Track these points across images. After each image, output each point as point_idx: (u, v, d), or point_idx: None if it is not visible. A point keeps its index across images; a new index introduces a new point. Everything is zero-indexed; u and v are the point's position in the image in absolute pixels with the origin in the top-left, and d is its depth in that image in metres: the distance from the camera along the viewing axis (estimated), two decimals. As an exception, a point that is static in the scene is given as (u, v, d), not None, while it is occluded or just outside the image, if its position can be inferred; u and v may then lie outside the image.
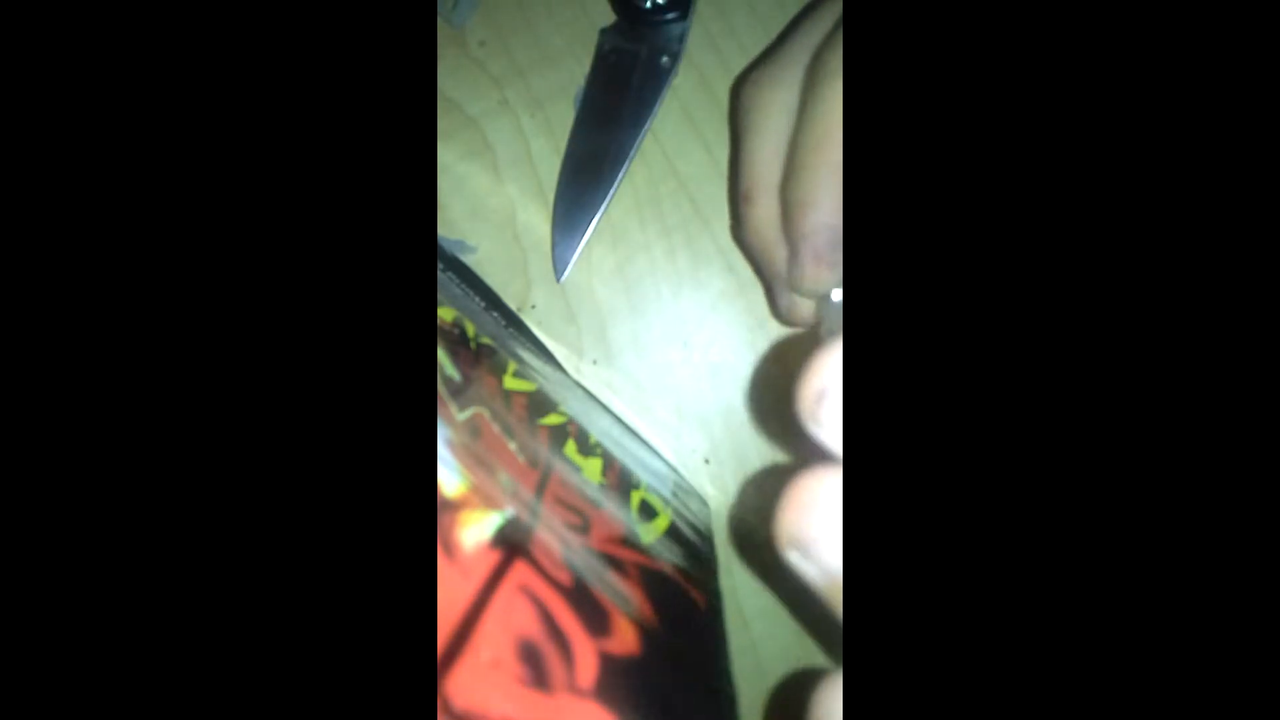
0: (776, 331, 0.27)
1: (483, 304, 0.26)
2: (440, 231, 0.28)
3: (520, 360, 0.23)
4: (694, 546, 0.22)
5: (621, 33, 0.27)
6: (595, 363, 0.28)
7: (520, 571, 0.14)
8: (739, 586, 0.28)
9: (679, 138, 0.28)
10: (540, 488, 0.17)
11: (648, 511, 0.21)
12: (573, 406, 0.24)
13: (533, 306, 0.28)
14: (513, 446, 0.18)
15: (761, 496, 0.28)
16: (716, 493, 0.28)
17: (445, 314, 0.21)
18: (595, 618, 0.14)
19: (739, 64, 0.27)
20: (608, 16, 0.28)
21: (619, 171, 0.27)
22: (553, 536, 0.15)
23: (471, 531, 0.13)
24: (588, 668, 0.13)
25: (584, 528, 0.17)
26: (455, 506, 0.13)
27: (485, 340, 0.22)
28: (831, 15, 0.21)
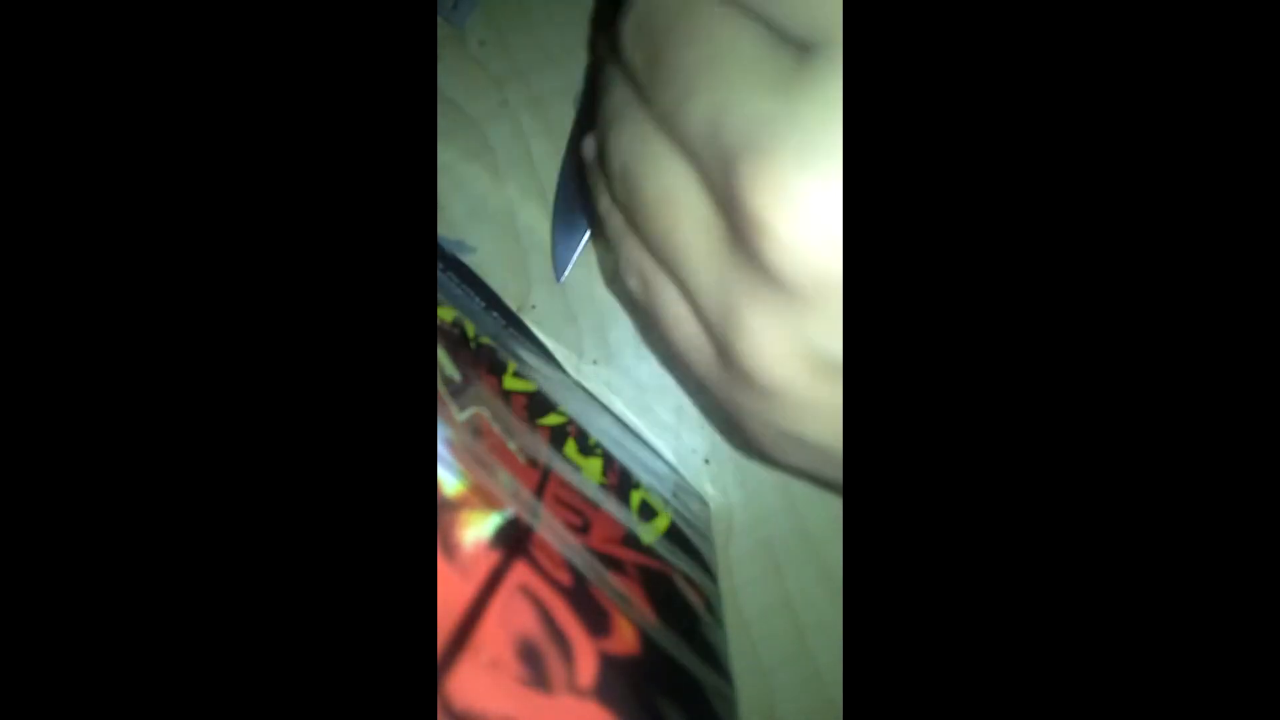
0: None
1: (483, 304, 0.26)
2: (440, 231, 0.28)
3: (520, 360, 0.23)
4: (694, 546, 0.22)
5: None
6: (595, 363, 0.28)
7: (520, 571, 0.14)
8: (739, 586, 0.28)
9: (679, 138, 0.28)
10: (540, 488, 0.17)
11: (648, 511, 0.21)
12: (573, 406, 0.24)
13: (533, 306, 0.28)
14: (513, 446, 0.18)
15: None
16: (716, 493, 0.28)
17: (445, 314, 0.21)
18: (595, 618, 0.14)
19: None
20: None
21: (619, 171, 0.27)
22: (553, 536, 0.15)
23: (471, 531, 0.13)
24: (588, 668, 0.13)
25: (584, 528, 0.17)
26: (455, 506, 0.13)
27: (485, 340, 0.22)
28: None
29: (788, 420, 0.16)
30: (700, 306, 0.16)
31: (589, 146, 0.21)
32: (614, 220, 0.19)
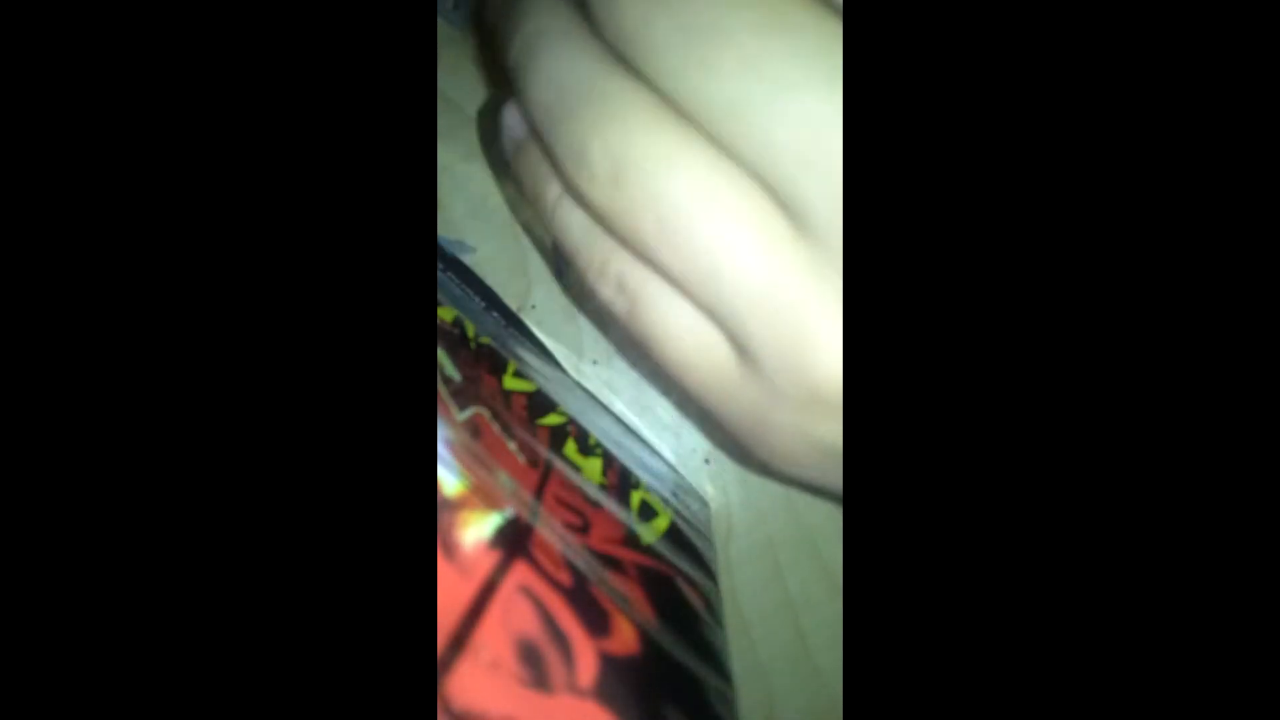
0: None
1: (483, 304, 0.26)
2: (440, 231, 0.28)
3: (520, 360, 0.23)
4: (694, 546, 0.22)
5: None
6: (595, 363, 0.28)
7: (520, 571, 0.14)
8: (739, 587, 0.28)
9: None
10: (540, 488, 0.17)
11: (648, 511, 0.21)
12: (573, 406, 0.24)
13: (533, 306, 0.28)
14: (513, 446, 0.18)
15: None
16: (716, 493, 0.28)
17: (445, 314, 0.21)
18: (595, 618, 0.14)
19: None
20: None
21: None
22: (553, 536, 0.15)
23: (471, 531, 0.13)
24: (588, 668, 0.13)
25: (584, 528, 0.17)
26: (455, 506, 0.13)
27: (485, 340, 0.22)
28: None
29: (822, 426, 0.16)
30: (725, 313, 0.15)
31: (513, 120, 0.18)
32: (574, 218, 0.17)
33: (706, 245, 0.14)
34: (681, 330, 0.16)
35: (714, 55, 0.13)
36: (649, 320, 0.16)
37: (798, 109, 0.13)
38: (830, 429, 0.16)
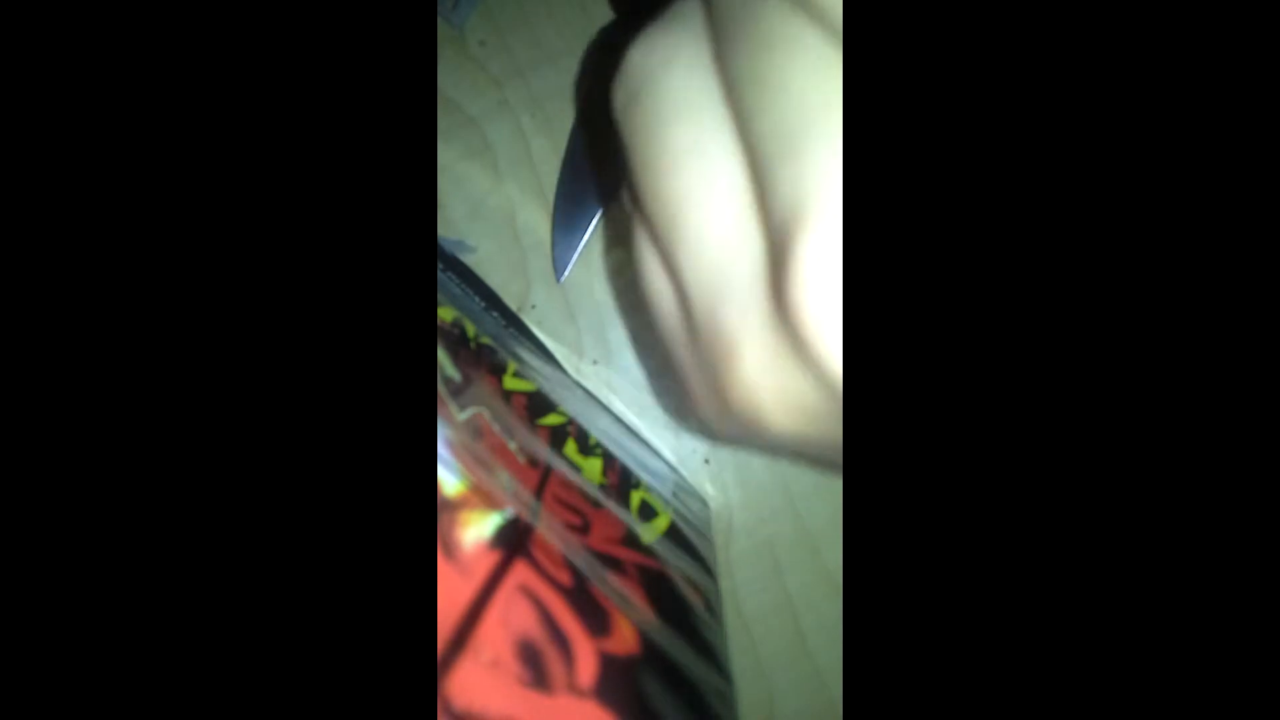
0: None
1: (483, 304, 0.26)
2: (440, 231, 0.28)
3: (520, 360, 0.23)
4: (694, 546, 0.22)
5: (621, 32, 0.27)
6: (595, 363, 0.28)
7: (520, 571, 0.14)
8: (739, 586, 0.28)
9: (679, 138, 0.28)
10: (540, 488, 0.17)
11: (648, 511, 0.21)
12: (573, 406, 0.24)
13: (533, 306, 0.28)
14: (513, 446, 0.18)
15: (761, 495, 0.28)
16: (716, 493, 0.28)
17: (445, 314, 0.21)
18: (595, 618, 0.14)
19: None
20: (607, 16, 0.28)
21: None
22: (553, 536, 0.15)
23: (471, 531, 0.13)
24: (588, 668, 0.13)
25: (584, 528, 0.17)
26: (455, 506, 0.13)
27: (485, 340, 0.22)
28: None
29: (734, 428, 0.15)
30: (676, 270, 0.15)
31: None
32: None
33: (677, 197, 0.14)
34: (649, 254, 0.16)
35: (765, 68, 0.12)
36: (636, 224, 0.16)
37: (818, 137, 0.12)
38: (737, 431, 0.15)
